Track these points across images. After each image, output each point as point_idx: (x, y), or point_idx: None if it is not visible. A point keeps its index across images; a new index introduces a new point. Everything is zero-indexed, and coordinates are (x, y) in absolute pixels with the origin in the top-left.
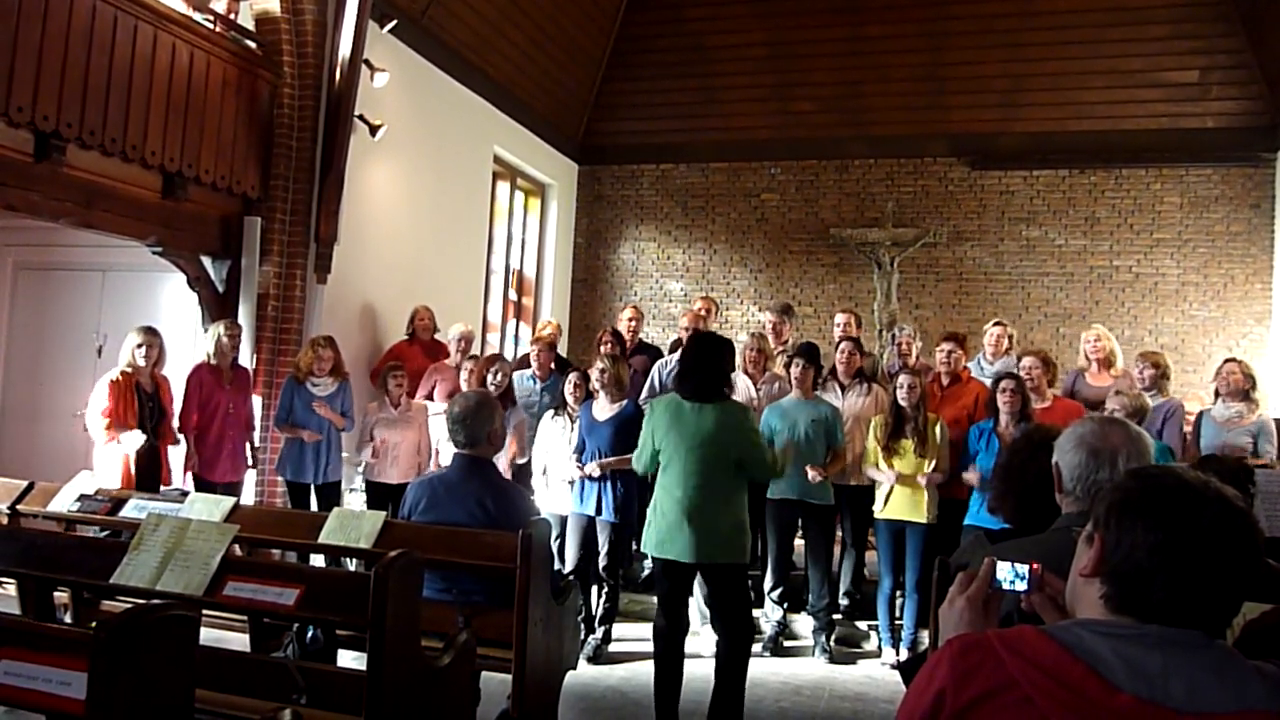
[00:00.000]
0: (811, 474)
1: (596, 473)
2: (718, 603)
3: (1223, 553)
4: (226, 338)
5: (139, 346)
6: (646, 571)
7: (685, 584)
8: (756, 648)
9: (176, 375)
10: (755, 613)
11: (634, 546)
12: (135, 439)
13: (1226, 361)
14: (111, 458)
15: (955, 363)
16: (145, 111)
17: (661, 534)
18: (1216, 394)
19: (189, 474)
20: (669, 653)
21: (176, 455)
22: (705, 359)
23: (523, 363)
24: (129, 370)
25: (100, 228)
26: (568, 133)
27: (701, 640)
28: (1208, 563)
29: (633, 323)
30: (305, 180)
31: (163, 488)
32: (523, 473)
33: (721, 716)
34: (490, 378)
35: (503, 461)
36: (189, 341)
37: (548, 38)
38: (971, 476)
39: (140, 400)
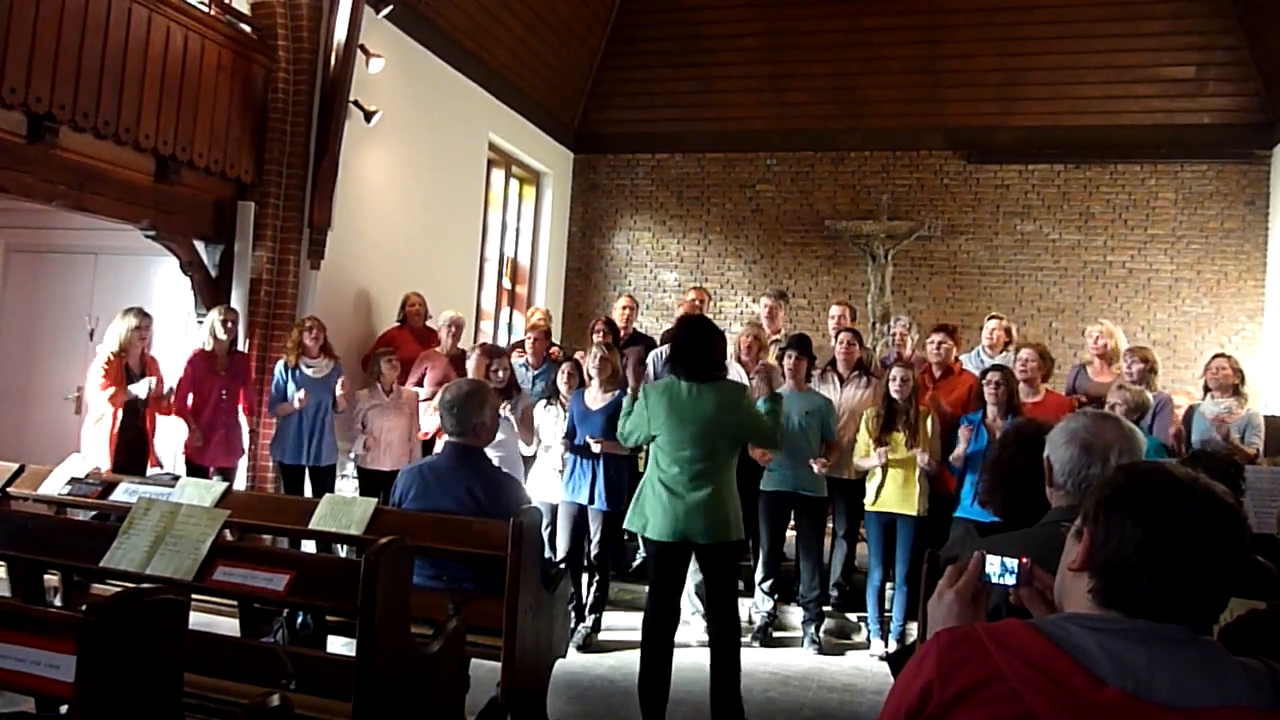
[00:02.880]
0: (817, 466)
1: (597, 449)
2: (713, 583)
3: (1210, 548)
4: (221, 324)
5: (134, 330)
6: (638, 561)
7: (680, 570)
8: (745, 638)
9: (167, 359)
10: (745, 603)
11: (625, 535)
12: (143, 385)
13: (1216, 357)
14: (99, 437)
15: (946, 354)
16: (139, 94)
17: (660, 516)
18: (1206, 389)
19: (183, 457)
20: (659, 644)
21: (162, 437)
22: (698, 340)
23: (514, 349)
24: (120, 352)
25: (93, 210)
26: (563, 121)
27: (689, 630)
28: (1195, 558)
29: (628, 312)
30: (299, 165)
31: (150, 470)
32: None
33: (724, 703)
34: (493, 374)
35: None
36: (181, 326)
37: (544, 25)
38: (957, 451)
39: (129, 381)
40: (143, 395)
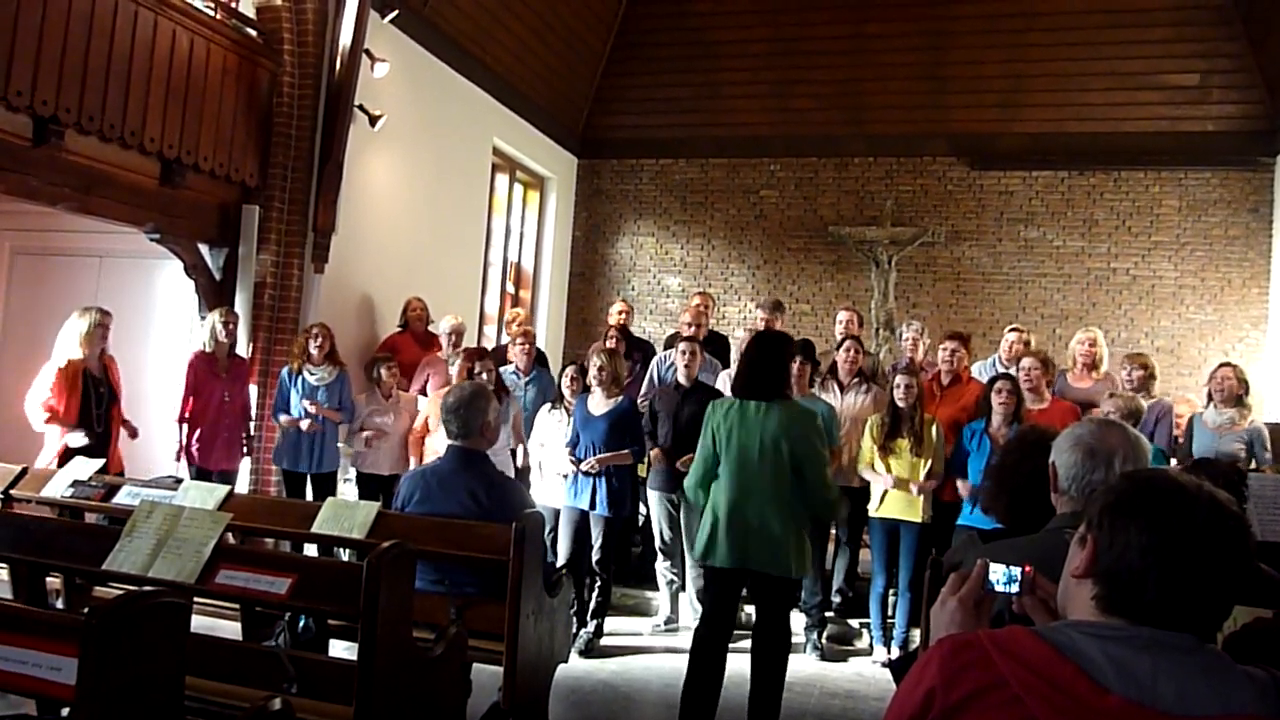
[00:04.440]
0: None
1: (595, 469)
2: (763, 613)
3: (1214, 555)
4: (223, 326)
5: (97, 327)
6: (639, 548)
7: (735, 593)
8: (746, 643)
9: (171, 363)
10: (748, 609)
11: (627, 540)
12: (78, 438)
13: (1221, 366)
14: (56, 445)
15: (958, 362)
16: (145, 97)
17: (717, 540)
18: (1209, 398)
19: (184, 462)
20: (707, 660)
21: (155, 442)
22: (766, 356)
23: (502, 356)
24: (78, 358)
25: (98, 213)
26: (568, 126)
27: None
28: (1199, 565)
29: (623, 316)
30: (304, 169)
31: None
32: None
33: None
34: (477, 375)
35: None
36: (184, 329)
37: (549, 30)
38: (962, 488)
39: (88, 386)
40: (75, 445)
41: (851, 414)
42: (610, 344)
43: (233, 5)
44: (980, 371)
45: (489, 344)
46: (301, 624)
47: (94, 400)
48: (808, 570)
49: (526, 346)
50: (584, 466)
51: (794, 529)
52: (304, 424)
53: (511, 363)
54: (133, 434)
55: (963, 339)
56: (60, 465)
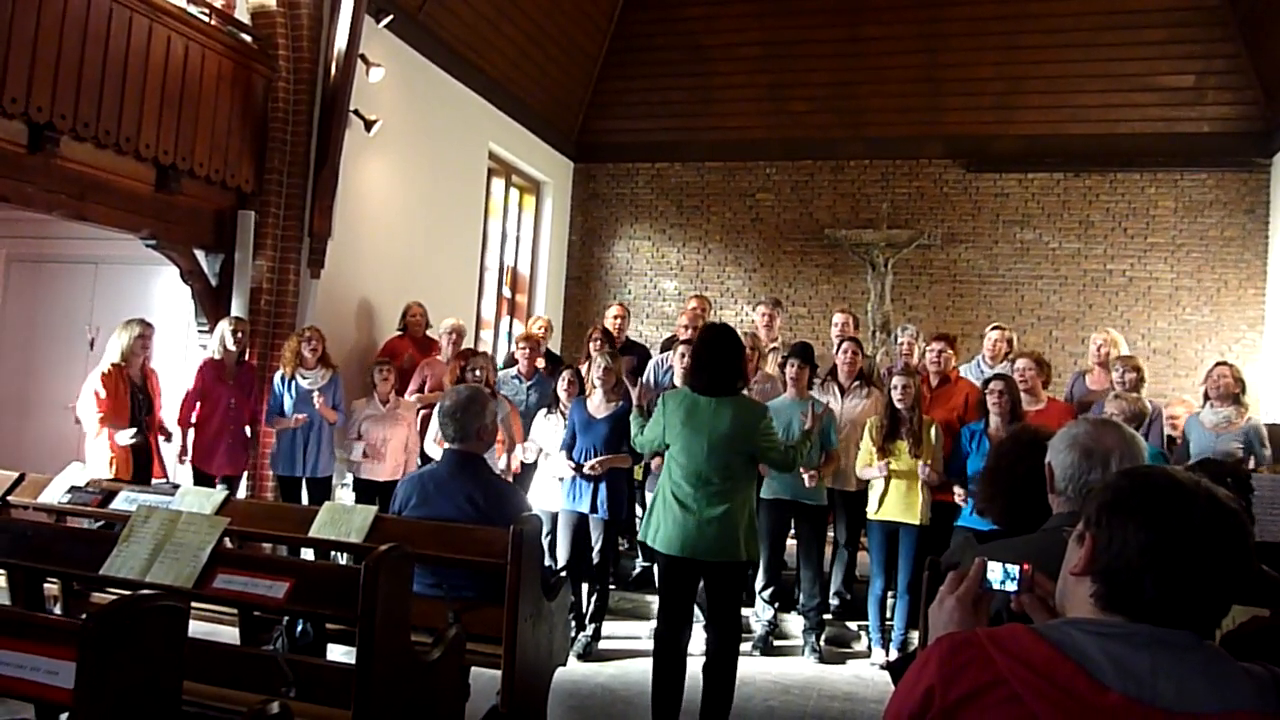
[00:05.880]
0: (806, 477)
1: (597, 471)
2: (715, 600)
3: (1213, 553)
4: (232, 334)
5: (137, 338)
6: (638, 570)
7: (691, 583)
8: (746, 646)
9: (166, 369)
10: (745, 611)
11: (624, 544)
12: (127, 435)
13: (1217, 365)
14: (103, 450)
15: (945, 363)
16: (140, 104)
17: (671, 530)
18: (1205, 397)
19: (188, 465)
20: (671, 656)
21: (169, 447)
22: (720, 352)
23: (509, 361)
24: (121, 363)
25: (93, 220)
26: (563, 130)
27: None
28: (1198, 562)
29: (619, 320)
30: (300, 174)
31: (154, 480)
32: (525, 471)
33: (712, 715)
34: (469, 374)
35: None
36: (181, 336)
37: (545, 35)
38: (959, 496)
39: (131, 393)
40: (121, 442)
41: (851, 416)
42: (594, 345)
43: (227, 11)
44: (967, 372)
45: (485, 348)
46: (299, 628)
47: (134, 407)
48: (757, 554)
49: (528, 351)
50: (587, 468)
51: (745, 515)
52: (293, 420)
53: (515, 366)
54: (168, 437)
55: (949, 340)
56: (115, 465)
